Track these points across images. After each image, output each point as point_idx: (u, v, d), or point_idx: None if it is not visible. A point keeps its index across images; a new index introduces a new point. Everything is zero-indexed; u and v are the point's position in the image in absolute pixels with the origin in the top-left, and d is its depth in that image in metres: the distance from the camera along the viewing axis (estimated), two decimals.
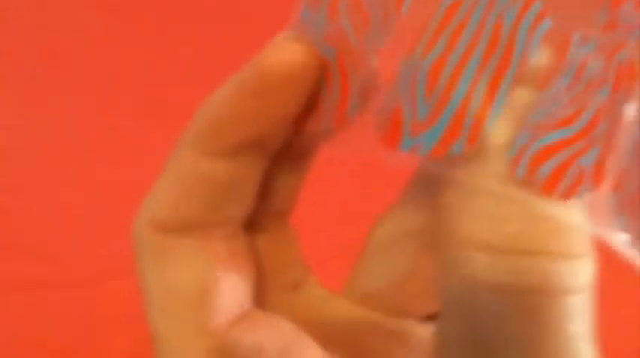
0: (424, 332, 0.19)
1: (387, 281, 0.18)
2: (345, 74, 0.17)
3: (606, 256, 0.14)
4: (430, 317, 0.19)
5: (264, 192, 0.18)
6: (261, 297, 0.19)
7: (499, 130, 0.14)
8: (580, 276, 0.13)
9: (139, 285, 0.17)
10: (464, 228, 0.14)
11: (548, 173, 0.14)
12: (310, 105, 0.17)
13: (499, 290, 0.13)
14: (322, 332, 0.18)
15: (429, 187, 0.17)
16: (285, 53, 0.16)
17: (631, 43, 0.14)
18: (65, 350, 0.44)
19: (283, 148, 0.18)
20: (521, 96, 0.14)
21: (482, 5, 0.15)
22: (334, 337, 0.18)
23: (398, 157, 0.16)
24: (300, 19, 0.17)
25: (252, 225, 0.19)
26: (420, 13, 0.16)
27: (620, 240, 0.14)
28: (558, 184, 0.14)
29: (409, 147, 0.15)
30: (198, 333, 0.17)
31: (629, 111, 0.14)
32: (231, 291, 0.17)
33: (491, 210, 0.13)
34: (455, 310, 0.14)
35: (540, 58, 0.15)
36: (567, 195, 0.13)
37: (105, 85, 0.55)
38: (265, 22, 0.58)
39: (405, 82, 0.15)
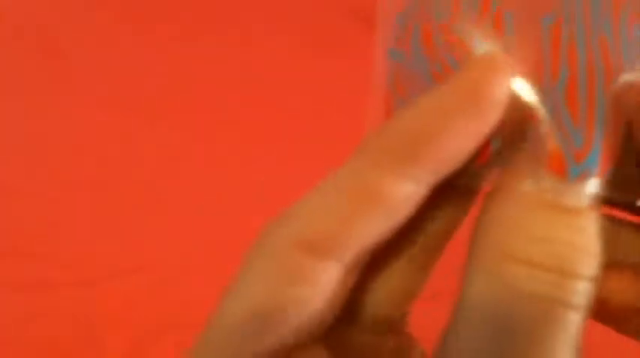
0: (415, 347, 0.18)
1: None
2: None
3: None
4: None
5: None
6: None
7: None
8: (587, 297, 0.15)
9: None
10: (514, 242, 0.15)
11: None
12: None
13: (533, 300, 0.14)
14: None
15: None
16: (505, 80, 0.15)
17: None
18: (65, 349, 0.44)
19: None
20: None
21: (580, 21, 0.15)
22: None
23: None
24: (390, 59, 0.17)
25: None
26: (524, 35, 0.16)
27: None
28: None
29: (577, 174, 0.15)
30: None
31: None
32: None
33: (543, 230, 0.15)
34: (481, 319, 0.15)
35: None
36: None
37: (105, 86, 0.55)
38: (264, 24, 0.58)
39: (546, 110, 0.15)
